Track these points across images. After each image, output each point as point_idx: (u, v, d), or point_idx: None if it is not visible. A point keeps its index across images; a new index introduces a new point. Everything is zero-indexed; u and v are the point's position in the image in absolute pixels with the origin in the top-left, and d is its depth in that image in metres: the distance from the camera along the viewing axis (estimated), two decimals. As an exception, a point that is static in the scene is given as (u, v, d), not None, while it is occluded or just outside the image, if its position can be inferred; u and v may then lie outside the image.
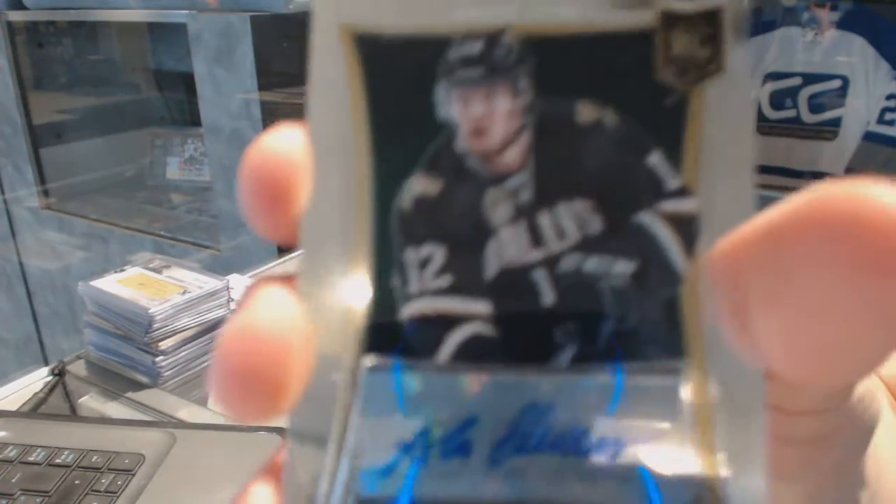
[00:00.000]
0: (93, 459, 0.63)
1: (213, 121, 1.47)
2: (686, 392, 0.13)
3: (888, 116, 1.65)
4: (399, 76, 0.14)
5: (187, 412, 0.77)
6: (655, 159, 0.13)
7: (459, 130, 0.14)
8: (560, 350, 0.13)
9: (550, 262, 0.14)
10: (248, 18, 1.32)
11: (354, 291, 0.14)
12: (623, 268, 0.13)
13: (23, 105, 1.83)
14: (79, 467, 0.62)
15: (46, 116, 1.90)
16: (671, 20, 0.13)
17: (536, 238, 0.14)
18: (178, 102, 2.10)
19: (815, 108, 1.74)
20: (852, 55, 1.67)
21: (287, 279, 0.14)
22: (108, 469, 0.62)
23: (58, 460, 0.63)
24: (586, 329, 0.13)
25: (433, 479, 0.13)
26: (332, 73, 0.14)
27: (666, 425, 0.13)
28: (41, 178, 1.90)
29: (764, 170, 1.81)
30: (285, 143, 0.14)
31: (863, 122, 1.68)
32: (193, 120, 1.83)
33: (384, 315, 0.14)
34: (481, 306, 0.14)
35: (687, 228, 0.13)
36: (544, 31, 0.13)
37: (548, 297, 0.13)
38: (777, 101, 1.77)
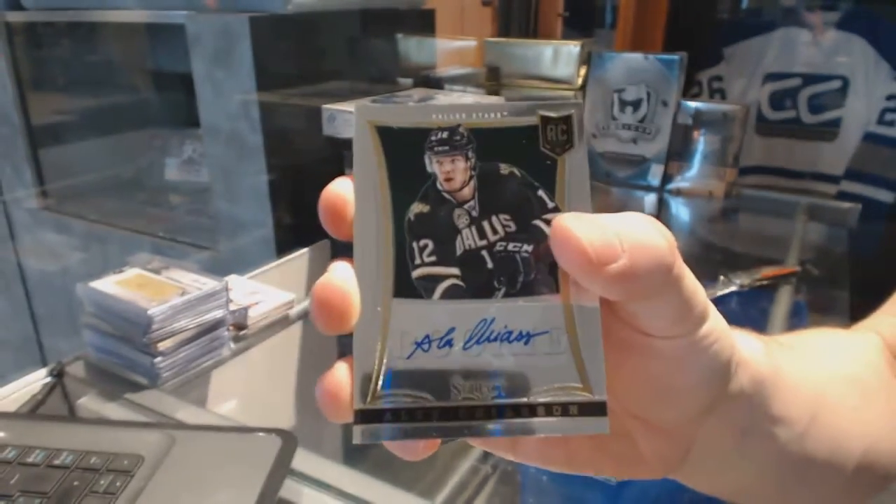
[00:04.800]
0: (91, 461, 0.63)
1: (211, 122, 1.46)
2: (560, 311, 0.24)
3: (888, 117, 1.65)
4: (404, 149, 0.25)
5: (186, 413, 0.77)
6: (542, 192, 0.25)
7: (438, 178, 0.25)
8: (496, 291, 0.25)
9: (490, 246, 0.25)
10: (247, 19, 1.32)
11: (385, 264, 0.25)
12: (527, 247, 0.25)
13: (21, 106, 1.83)
14: (77, 468, 0.62)
15: (45, 117, 1.90)
16: (546, 120, 0.25)
17: (481, 234, 0.25)
18: (177, 103, 2.09)
19: (814, 108, 1.74)
20: (852, 55, 1.68)
21: (349, 258, 0.25)
22: (107, 470, 0.62)
23: (56, 461, 0.63)
24: (509, 279, 0.25)
25: (434, 360, 0.24)
26: (365, 148, 0.25)
27: (551, 327, 0.24)
28: (39, 180, 1.90)
29: (763, 170, 1.81)
30: (342, 184, 0.25)
31: (863, 123, 1.69)
32: (192, 121, 1.83)
33: (403, 276, 0.25)
34: (455, 270, 0.25)
35: None
36: (480, 126, 0.25)
37: (489, 264, 0.25)
38: (777, 101, 1.78)
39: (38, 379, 0.83)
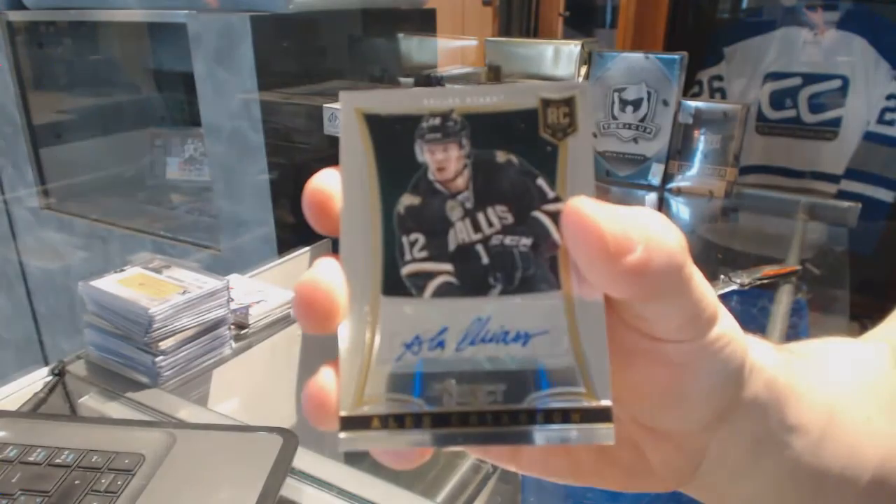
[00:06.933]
0: (93, 459, 0.63)
1: (212, 121, 1.47)
2: (561, 309, 0.23)
3: (888, 116, 1.65)
4: (393, 138, 0.24)
5: (187, 412, 0.77)
6: (541, 181, 0.23)
7: (429, 168, 0.24)
8: (492, 288, 0.23)
9: (485, 240, 0.23)
10: (248, 18, 1.32)
11: (373, 260, 0.23)
12: (526, 241, 0.23)
13: (23, 105, 1.83)
14: (79, 467, 0.62)
15: (46, 116, 1.90)
16: (546, 103, 0.23)
17: (476, 227, 0.23)
18: (178, 102, 2.10)
19: (815, 108, 1.75)
20: (852, 55, 1.68)
21: (335, 254, 0.24)
22: (108, 469, 0.62)
23: (58, 460, 0.63)
24: (506, 275, 0.23)
25: (425, 362, 0.23)
26: (352, 137, 0.24)
27: (551, 327, 0.23)
28: (41, 178, 1.90)
29: (764, 170, 1.81)
30: (327, 176, 0.24)
31: (863, 122, 1.69)
32: (193, 120, 1.83)
33: (393, 273, 0.23)
34: (447, 266, 0.23)
35: (559, 218, 0.23)
36: (474, 111, 0.24)
37: (484, 259, 0.23)
38: (777, 101, 1.78)
39: (39, 378, 0.83)
